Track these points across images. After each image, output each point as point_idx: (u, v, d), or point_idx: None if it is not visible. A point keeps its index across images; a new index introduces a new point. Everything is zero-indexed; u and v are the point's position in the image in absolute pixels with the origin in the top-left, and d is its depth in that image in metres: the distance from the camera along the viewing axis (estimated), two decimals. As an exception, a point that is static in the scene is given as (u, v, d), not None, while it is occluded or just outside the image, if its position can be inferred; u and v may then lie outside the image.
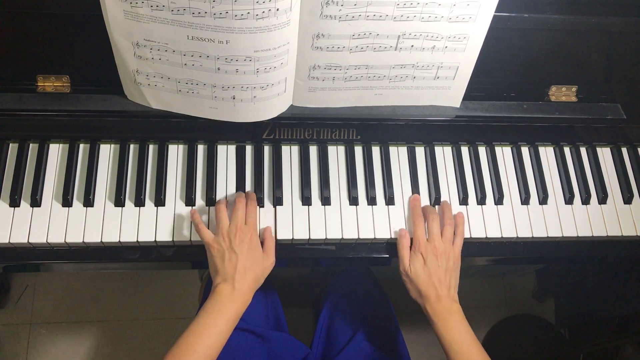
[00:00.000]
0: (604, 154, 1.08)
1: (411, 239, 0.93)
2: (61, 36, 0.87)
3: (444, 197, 1.00)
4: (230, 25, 0.77)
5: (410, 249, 0.92)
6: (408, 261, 0.91)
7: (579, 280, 1.62)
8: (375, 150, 1.02)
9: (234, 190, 0.96)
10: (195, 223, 0.89)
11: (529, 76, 1.00)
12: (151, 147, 0.98)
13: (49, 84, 0.92)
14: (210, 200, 0.95)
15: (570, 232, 1.00)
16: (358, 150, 1.02)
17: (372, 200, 0.97)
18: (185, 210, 0.94)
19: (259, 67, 0.83)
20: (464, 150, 1.04)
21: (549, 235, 0.99)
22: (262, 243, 0.91)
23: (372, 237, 0.95)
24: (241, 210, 0.88)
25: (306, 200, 0.96)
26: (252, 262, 0.86)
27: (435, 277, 0.88)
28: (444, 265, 0.89)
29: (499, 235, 0.98)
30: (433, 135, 1.03)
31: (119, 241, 0.91)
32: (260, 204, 0.95)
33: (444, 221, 0.94)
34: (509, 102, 1.00)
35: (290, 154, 1.00)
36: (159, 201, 0.94)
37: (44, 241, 0.90)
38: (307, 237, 0.94)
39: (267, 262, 0.89)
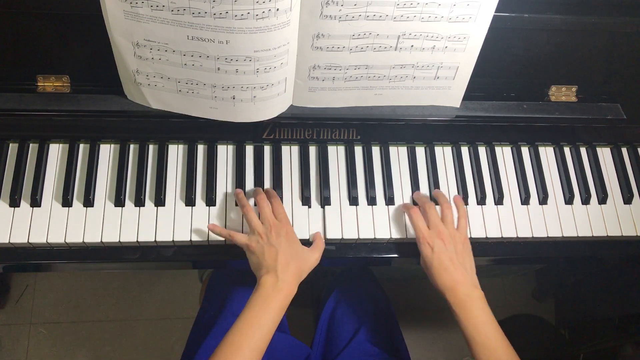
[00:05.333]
0: (604, 154, 1.08)
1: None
2: (61, 36, 0.87)
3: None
4: (230, 26, 0.77)
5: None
6: (421, 254, 0.90)
7: (579, 280, 1.62)
8: (375, 150, 1.02)
9: (234, 190, 0.96)
10: (227, 234, 0.89)
11: (529, 76, 1.00)
12: (151, 147, 0.98)
13: (49, 84, 0.92)
14: (210, 200, 0.95)
15: (570, 232, 1.00)
16: (358, 150, 1.02)
17: (372, 200, 0.97)
18: (185, 210, 0.94)
19: (259, 67, 0.83)
20: (464, 150, 1.04)
21: (549, 235, 0.99)
22: (312, 243, 0.92)
23: (372, 237, 0.95)
24: (267, 207, 0.88)
25: (306, 200, 0.96)
26: (292, 253, 0.85)
27: (446, 261, 0.86)
28: (452, 249, 0.88)
29: (499, 235, 0.98)
30: (433, 135, 1.03)
31: (119, 241, 0.91)
32: (260, 204, 0.95)
33: (441, 206, 0.94)
34: (509, 102, 1.00)
35: (290, 154, 1.00)
36: (159, 201, 0.94)
37: (44, 241, 0.90)
38: (307, 237, 0.94)
39: (312, 256, 0.88)
